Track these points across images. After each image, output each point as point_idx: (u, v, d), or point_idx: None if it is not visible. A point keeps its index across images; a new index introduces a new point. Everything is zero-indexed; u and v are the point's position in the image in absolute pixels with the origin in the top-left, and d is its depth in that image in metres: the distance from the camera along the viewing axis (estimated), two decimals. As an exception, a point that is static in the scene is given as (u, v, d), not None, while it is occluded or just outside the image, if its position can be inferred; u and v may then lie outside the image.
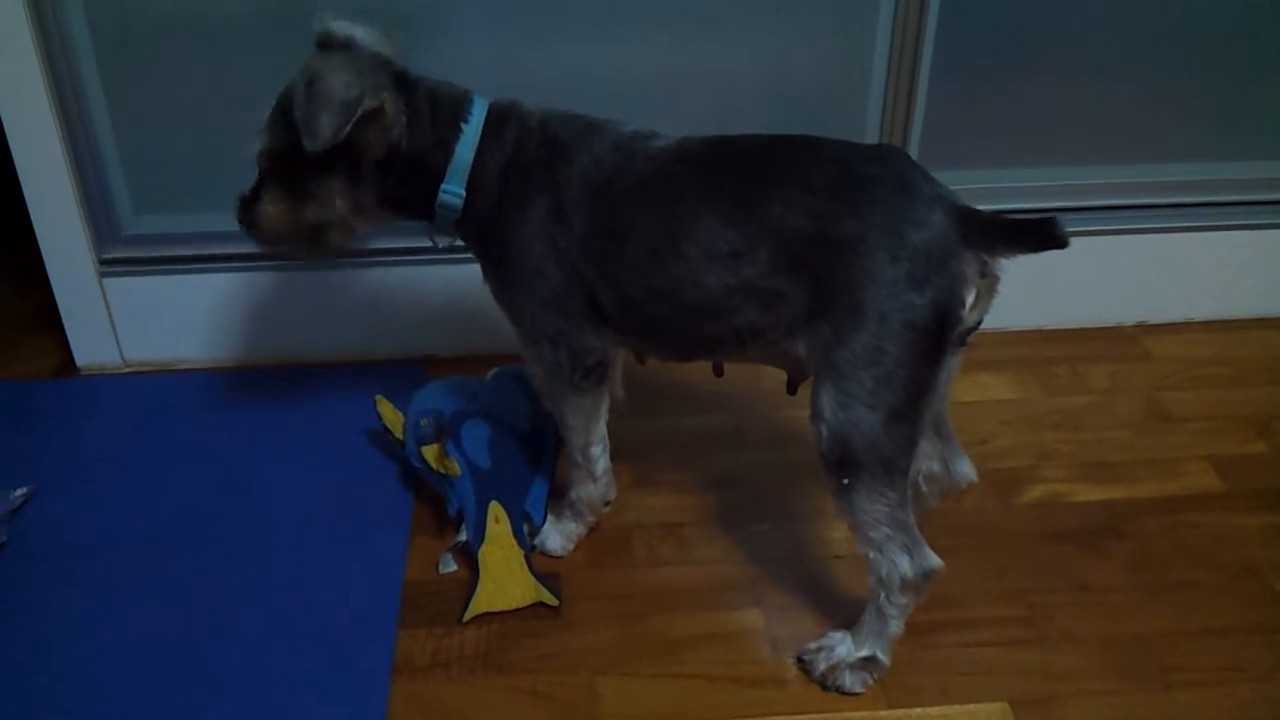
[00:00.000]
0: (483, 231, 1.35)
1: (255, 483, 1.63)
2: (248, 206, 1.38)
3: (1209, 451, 1.69)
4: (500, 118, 1.33)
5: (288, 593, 1.44)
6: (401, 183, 1.34)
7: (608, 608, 1.43)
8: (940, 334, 1.17)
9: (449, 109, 1.32)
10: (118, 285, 1.84)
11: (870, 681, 1.31)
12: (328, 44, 1.32)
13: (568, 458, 1.48)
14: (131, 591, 1.45)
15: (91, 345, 1.89)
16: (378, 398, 1.63)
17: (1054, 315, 1.98)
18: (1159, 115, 1.88)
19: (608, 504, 1.51)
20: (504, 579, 1.42)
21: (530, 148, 1.31)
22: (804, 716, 1.29)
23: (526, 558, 1.45)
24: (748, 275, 1.22)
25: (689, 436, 1.73)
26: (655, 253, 1.25)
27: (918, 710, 1.29)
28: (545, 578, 1.44)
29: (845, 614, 1.36)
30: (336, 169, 1.31)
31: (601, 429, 1.45)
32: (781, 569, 1.48)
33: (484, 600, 1.41)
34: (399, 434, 1.59)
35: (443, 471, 1.50)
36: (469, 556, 1.46)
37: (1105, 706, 1.29)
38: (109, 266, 1.83)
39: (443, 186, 1.33)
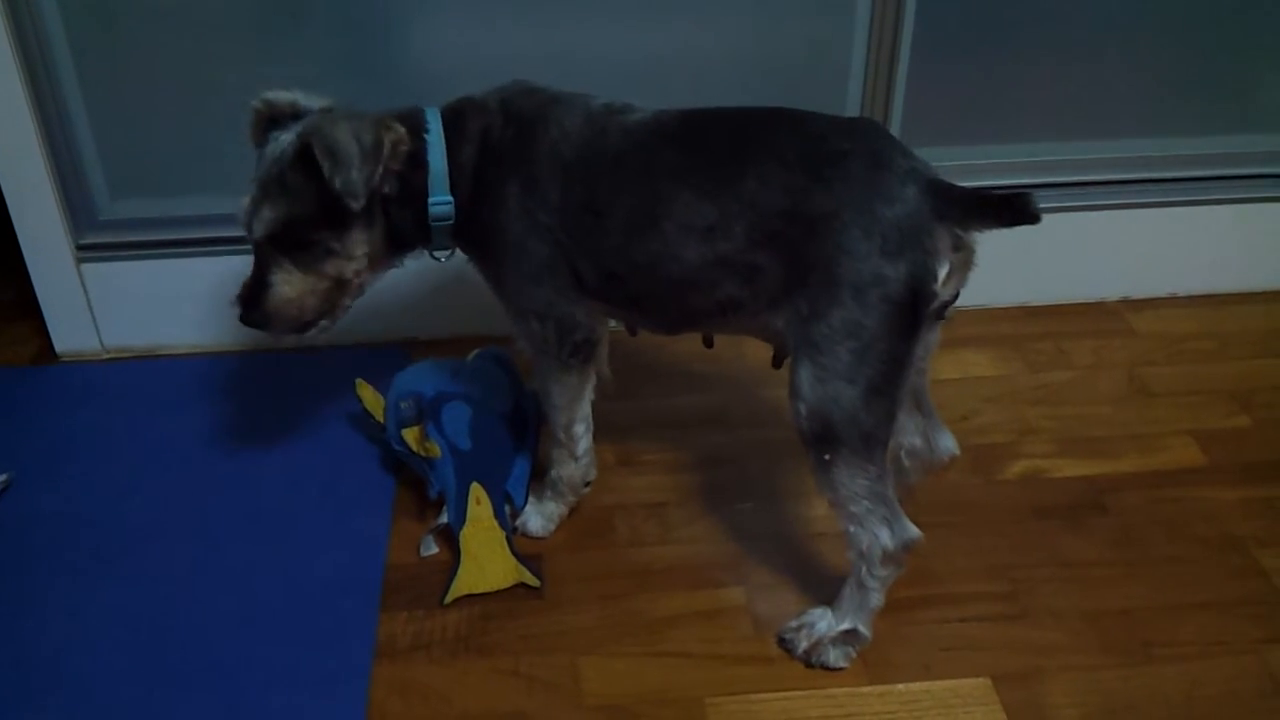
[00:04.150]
0: (473, 228, 1.35)
1: (235, 468, 1.62)
2: (255, 301, 1.33)
3: (1192, 426, 1.69)
4: (456, 116, 1.34)
5: (269, 577, 1.44)
6: (401, 211, 1.34)
7: (589, 588, 1.42)
8: (914, 307, 1.17)
9: (409, 127, 1.33)
10: (96, 271, 1.82)
11: (853, 655, 1.31)
12: (271, 115, 1.32)
13: (549, 438, 1.48)
14: (111, 578, 1.44)
15: (70, 332, 1.87)
16: (358, 381, 1.63)
17: (1037, 291, 1.98)
18: (1142, 90, 1.87)
19: (587, 484, 1.51)
20: (485, 561, 1.42)
21: (496, 133, 1.32)
22: (788, 693, 1.28)
23: (508, 539, 1.45)
24: (724, 250, 1.22)
25: (672, 416, 1.73)
26: (633, 227, 1.25)
27: (900, 686, 1.29)
28: (527, 559, 1.44)
29: (827, 591, 1.35)
30: (357, 216, 1.30)
31: (585, 408, 1.44)
32: (764, 547, 1.48)
33: (465, 582, 1.41)
34: (380, 417, 1.58)
35: (424, 454, 1.49)
36: (450, 539, 1.46)
37: (1088, 681, 1.29)
38: (86, 252, 1.81)
39: (430, 200, 1.33)
